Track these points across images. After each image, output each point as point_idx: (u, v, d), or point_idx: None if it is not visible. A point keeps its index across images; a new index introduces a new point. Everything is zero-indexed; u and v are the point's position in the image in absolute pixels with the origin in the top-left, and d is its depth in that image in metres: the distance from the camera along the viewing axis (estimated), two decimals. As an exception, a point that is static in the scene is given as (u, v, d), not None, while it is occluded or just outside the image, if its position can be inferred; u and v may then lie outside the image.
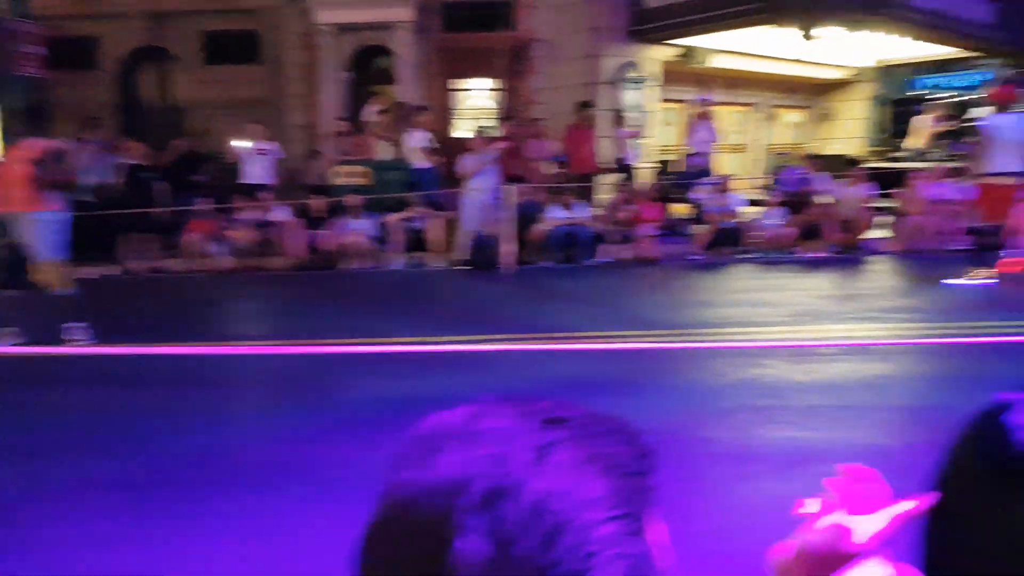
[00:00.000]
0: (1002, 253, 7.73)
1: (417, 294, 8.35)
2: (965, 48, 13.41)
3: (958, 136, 12.23)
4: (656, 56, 12.21)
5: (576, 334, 5.81)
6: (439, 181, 10.39)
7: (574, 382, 4.58)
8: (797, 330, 6.00)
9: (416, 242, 9.91)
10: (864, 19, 10.05)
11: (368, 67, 12.62)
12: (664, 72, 12.50)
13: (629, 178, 11.13)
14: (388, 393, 4.43)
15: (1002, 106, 7.79)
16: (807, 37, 10.06)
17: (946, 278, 7.75)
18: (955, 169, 9.72)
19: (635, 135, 11.58)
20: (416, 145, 10.53)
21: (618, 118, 11.55)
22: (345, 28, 12.09)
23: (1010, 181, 7.53)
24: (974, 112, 12.72)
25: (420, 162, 10.47)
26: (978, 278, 7.52)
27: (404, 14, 11.84)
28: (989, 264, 7.60)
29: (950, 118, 12.78)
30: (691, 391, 4.55)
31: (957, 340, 5.46)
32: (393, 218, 9.88)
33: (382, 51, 12.41)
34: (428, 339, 5.62)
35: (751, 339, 5.77)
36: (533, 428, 0.52)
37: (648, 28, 11.73)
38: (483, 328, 5.97)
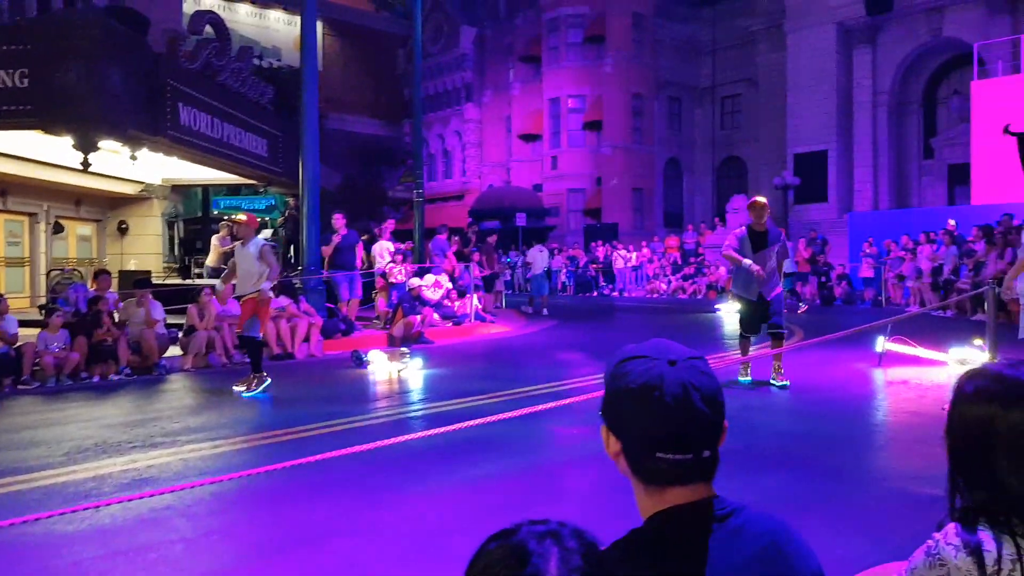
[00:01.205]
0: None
1: None
2: (246, 176, 14.71)
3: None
4: None
5: None
6: None
7: None
8: (75, 470, 5.29)
9: None
10: (142, 138, 10.04)
11: None
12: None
13: None
14: None
15: (253, 231, 8.54)
16: (83, 149, 9.50)
17: (239, 389, 8.05)
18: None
19: None
20: None
21: None
22: None
23: (256, 295, 8.34)
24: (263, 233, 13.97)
25: None
26: (254, 385, 7.99)
27: None
28: (260, 368, 8.16)
29: (235, 238, 13.71)
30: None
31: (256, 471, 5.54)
32: None
33: None
34: None
35: (17, 489, 4.84)
36: None
37: None
38: None
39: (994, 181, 19.79)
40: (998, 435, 1.28)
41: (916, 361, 8.80)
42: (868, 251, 19.72)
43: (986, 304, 8.00)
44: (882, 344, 9.06)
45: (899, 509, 4.18)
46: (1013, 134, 19.03)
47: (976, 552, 1.25)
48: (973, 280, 14.79)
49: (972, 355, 8.25)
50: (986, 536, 1.25)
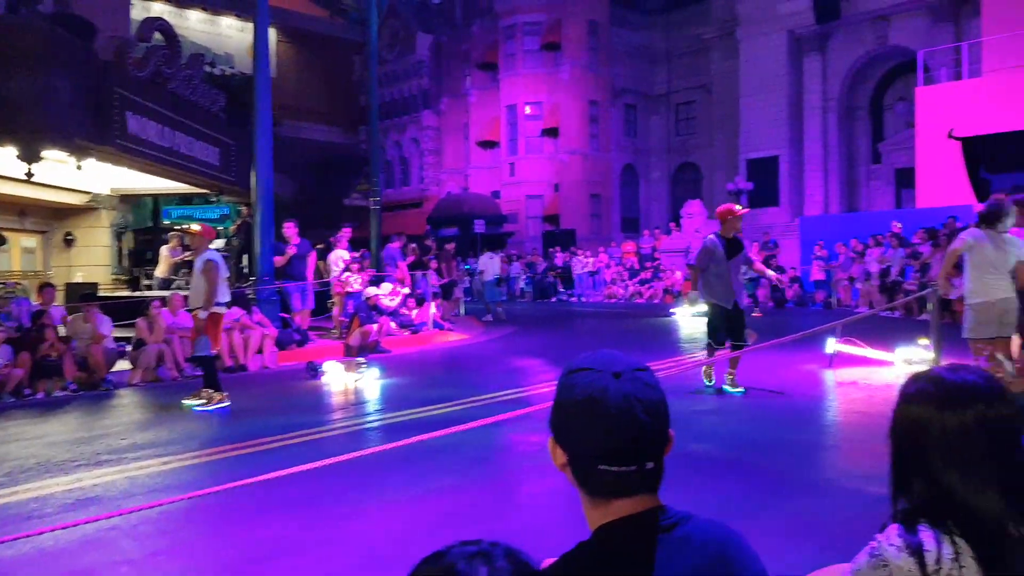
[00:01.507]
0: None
1: None
2: (198, 185, 14.43)
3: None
4: None
5: None
6: None
7: None
8: (16, 491, 5.11)
9: None
10: (89, 148, 9.78)
11: None
12: None
13: None
14: None
15: (206, 242, 8.34)
16: (27, 159, 9.22)
17: (190, 403, 7.86)
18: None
19: None
20: None
21: None
22: None
23: (222, 310, 8.19)
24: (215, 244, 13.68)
25: None
26: (213, 402, 7.81)
27: None
28: (219, 387, 7.97)
29: (187, 249, 13.42)
30: None
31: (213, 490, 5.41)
32: None
33: None
34: None
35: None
36: None
37: None
38: None
39: (938, 185, 20.34)
40: (932, 437, 1.31)
41: (865, 361, 8.99)
42: (819, 254, 20.10)
43: (929, 304, 8.20)
44: (833, 346, 9.23)
45: (851, 509, 4.23)
46: (957, 139, 19.59)
47: (917, 552, 1.26)
48: (919, 281, 15.17)
49: (918, 355, 8.46)
50: (927, 536, 1.27)
